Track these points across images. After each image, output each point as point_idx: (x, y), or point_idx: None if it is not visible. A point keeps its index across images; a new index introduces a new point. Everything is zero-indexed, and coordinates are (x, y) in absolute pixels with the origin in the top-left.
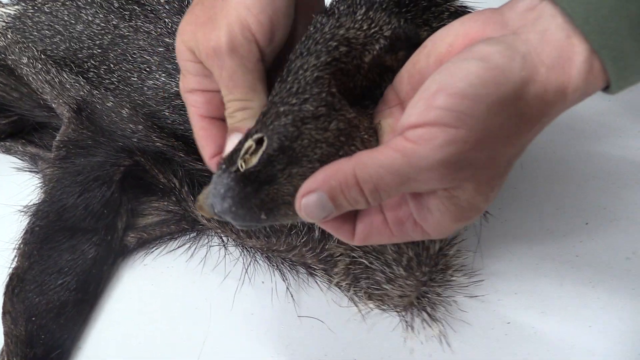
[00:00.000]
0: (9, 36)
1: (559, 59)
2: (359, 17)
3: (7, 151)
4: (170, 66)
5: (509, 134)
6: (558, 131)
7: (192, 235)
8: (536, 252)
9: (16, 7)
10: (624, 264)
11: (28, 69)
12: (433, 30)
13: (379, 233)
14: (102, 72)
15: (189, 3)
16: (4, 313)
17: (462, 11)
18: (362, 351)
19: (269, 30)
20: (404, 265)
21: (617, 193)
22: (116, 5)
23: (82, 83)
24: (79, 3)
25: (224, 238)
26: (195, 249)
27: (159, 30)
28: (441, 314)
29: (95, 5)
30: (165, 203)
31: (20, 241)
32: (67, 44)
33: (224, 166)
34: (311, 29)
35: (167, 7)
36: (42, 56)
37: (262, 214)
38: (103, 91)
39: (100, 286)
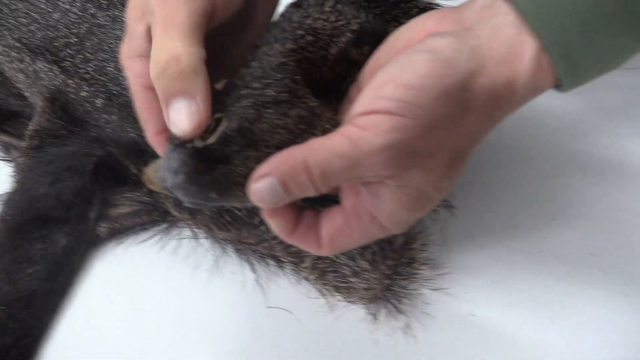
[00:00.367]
0: None
1: (508, 54)
2: (327, 9)
3: None
4: None
5: (455, 123)
6: (527, 128)
7: (163, 226)
8: (502, 246)
9: None
10: (588, 259)
11: (2, 57)
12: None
13: (342, 234)
14: (78, 61)
15: None
16: None
17: (430, 8)
18: (329, 342)
19: None
20: (368, 259)
21: (583, 190)
22: None
23: (56, 72)
24: None
25: (195, 230)
26: (166, 240)
27: None
28: (406, 307)
29: None
30: (138, 194)
31: None
32: (44, 32)
33: (176, 141)
34: (280, 17)
35: None
36: (17, 44)
37: (213, 193)
38: (78, 81)
39: (71, 275)
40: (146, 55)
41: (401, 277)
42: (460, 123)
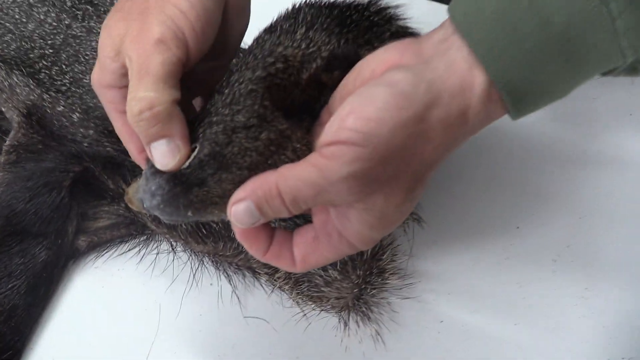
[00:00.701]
0: None
1: (461, 87)
2: (299, 37)
3: None
4: None
5: (413, 152)
6: (490, 142)
7: (142, 238)
8: (469, 254)
9: None
10: (550, 265)
11: None
12: (375, 49)
13: (313, 252)
14: (54, 73)
15: None
16: None
17: (402, 32)
18: (303, 349)
19: (200, 39)
20: (339, 269)
21: (546, 199)
22: (69, 4)
23: (32, 87)
24: (31, 1)
25: (172, 243)
26: (145, 252)
27: None
28: (376, 315)
29: (47, 4)
30: (116, 207)
31: None
32: (18, 43)
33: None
34: (254, 44)
35: None
36: None
37: (189, 212)
38: (54, 94)
39: (51, 289)
40: (118, 87)
41: (371, 287)
42: (418, 151)
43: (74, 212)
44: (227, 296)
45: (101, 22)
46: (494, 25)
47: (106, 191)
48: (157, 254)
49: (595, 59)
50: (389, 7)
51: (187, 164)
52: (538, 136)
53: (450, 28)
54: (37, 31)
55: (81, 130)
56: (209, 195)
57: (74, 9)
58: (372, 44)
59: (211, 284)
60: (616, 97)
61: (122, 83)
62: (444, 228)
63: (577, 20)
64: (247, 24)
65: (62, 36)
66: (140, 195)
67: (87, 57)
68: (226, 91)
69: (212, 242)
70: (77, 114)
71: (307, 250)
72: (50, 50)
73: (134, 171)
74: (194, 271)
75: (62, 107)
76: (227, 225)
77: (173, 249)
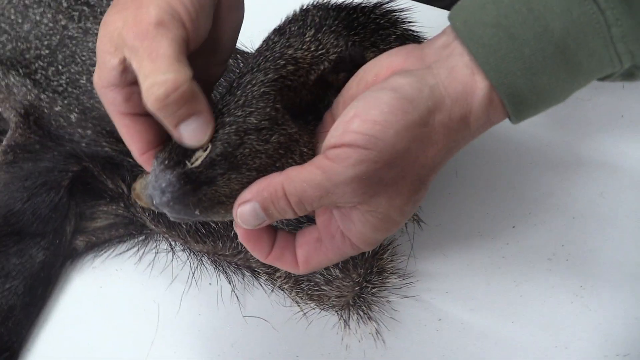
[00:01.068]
0: None
1: (463, 92)
2: (308, 39)
3: None
4: None
5: (417, 155)
6: (490, 142)
7: (140, 238)
8: (466, 253)
9: None
10: (545, 264)
11: None
12: (380, 51)
13: (317, 252)
14: (50, 73)
15: None
16: None
17: (407, 35)
18: (304, 348)
19: (196, 24)
20: (340, 267)
21: (541, 200)
22: (65, 5)
23: (29, 87)
24: (27, 1)
25: (171, 242)
26: (143, 252)
27: None
28: (376, 313)
29: (43, 4)
30: (114, 207)
31: None
32: (14, 44)
33: (167, 162)
34: (263, 45)
35: None
36: None
37: (197, 211)
38: (51, 95)
39: (49, 289)
40: (118, 85)
41: (371, 285)
42: (421, 154)
43: (72, 212)
44: (226, 295)
45: (97, 23)
46: (494, 32)
47: (105, 191)
48: (156, 253)
49: (593, 64)
50: (394, 11)
51: (198, 162)
52: (532, 138)
53: (452, 34)
54: (33, 32)
55: (79, 130)
56: (217, 194)
57: (70, 10)
58: (378, 46)
59: (210, 284)
60: (608, 99)
61: (123, 81)
62: (442, 228)
63: (575, 28)
64: (241, 22)
65: (58, 37)
66: (150, 191)
67: (83, 58)
68: (238, 92)
69: (211, 241)
70: (75, 114)
71: (310, 252)
72: (47, 51)
73: (133, 171)
74: (193, 270)
75: (59, 107)
76: (226, 224)
77: (172, 249)
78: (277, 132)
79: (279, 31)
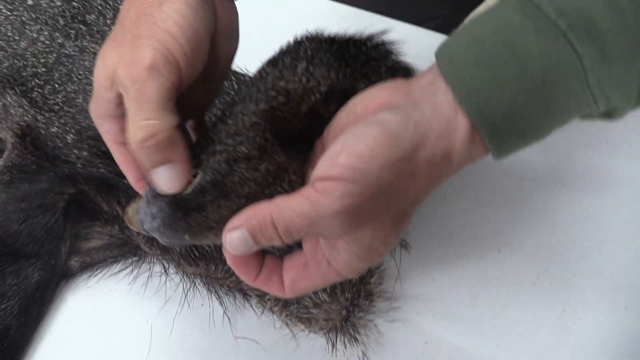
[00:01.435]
0: None
1: (446, 130)
2: (300, 71)
3: None
4: None
5: (400, 189)
6: (475, 168)
7: (134, 259)
8: (453, 276)
9: None
10: (530, 287)
11: None
12: (371, 82)
13: (303, 278)
14: (46, 92)
15: None
16: None
17: (397, 67)
18: None
19: (191, 62)
20: (328, 291)
21: (526, 223)
22: (62, 23)
23: (26, 107)
24: (23, 18)
25: (165, 264)
26: (137, 273)
27: None
28: (363, 336)
29: (40, 22)
30: (109, 228)
31: None
32: (10, 61)
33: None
34: (257, 76)
35: (113, 28)
36: None
37: (186, 235)
38: (47, 115)
39: (44, 309)
40: (115, 116)
41: (359, 309)
42: (405, 189)
43: (68, 233)
44: (218, 317)
45: (94, 42)
46: (476, 73)
47: (100, 213)
48: (149, 276)
49: (572, 106)
50: (385, 43)
51: (189, 189)
52: (518, 163)
53: (438, 71)
54: (30, 49)
55: (75, 151)
56: (207, 220)
57: (67, 28)
58: (369, 77)
59: (202, 305)
60: (593, 124)
61: (118, 112)
62: (429, 251)
63: (554, 71)
64: (236, 48)
65: (55, 55)
66: (141, 216)
67: (80, 77)
68: (230, 121)
69: (204, 264)
70: (71, 135)
71: (296, 277)
72: (43, 69)
73: (128, 192)
74: (186, 292)
75: (56, 128)
76: (218, 248)
77: (165, 271)
78: (266, 161)
79: (272, 62)
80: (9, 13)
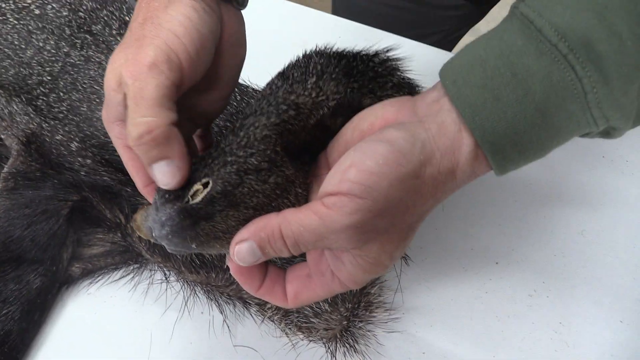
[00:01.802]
0: None
1: (451, 147)
2: (309, 86)
3: None
4: None
5: (408, 205)
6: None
7: (135, 266)
8: (451, 288)
9: None
10: (527, 300)
11: None
12: (377, 98)
13: (306, 288)
14: (51, 100)
15: None
16: None
17: (403, 83)
18: None
19: (194, 62)
20: (329, 301)
21: (523, 237)
22: (68, 32)
23: (32, 115)
24: (30, 27)
25: (166, 272)
26: (138, 280)
27: None
28: (362, 346)
29: (46, 31)
30: (111, 235)
31: None
32: (16, 69)
33: (167, 195)
34: (267, 89)
35: (119, 38)
36: None
37: (194, 244)
38: (52, 123)
39: (45, 315)
40: (124, 120)
41: (358, 319)
42: (412, 204)
43: (70, 239)
44: (218, 325)
45: (100, 52)
46: (479, 93)
47: (103, 220)
48: (150, 283)
49: (572, 125)
50: (392, 59)
51: (199, 198)
52: (516, 177)
53: (442, 90)
54: (36, 58)
55: (79, 159)
56: (215, 230)
57: (72, 38)
58: (375, 93)
59: (202, 313)
60: (590, 141)
61: (126, 117)
62: (428, 263)
63: (555, 92)
64: (243, 59)
65: (60, 64)
66: (150, 224)
67: (84, 86)
68: (241, 134)
69: (205, 272)
70: (75, 143)
71: (299, 287)
72: (49, 77)
73: (130, 200)
74: (186, 300)
75: (60, 136)
76: (219, 256)
77: (166, 278)
78: (275, 174)
79: (282, 76)
80: (15, 22)
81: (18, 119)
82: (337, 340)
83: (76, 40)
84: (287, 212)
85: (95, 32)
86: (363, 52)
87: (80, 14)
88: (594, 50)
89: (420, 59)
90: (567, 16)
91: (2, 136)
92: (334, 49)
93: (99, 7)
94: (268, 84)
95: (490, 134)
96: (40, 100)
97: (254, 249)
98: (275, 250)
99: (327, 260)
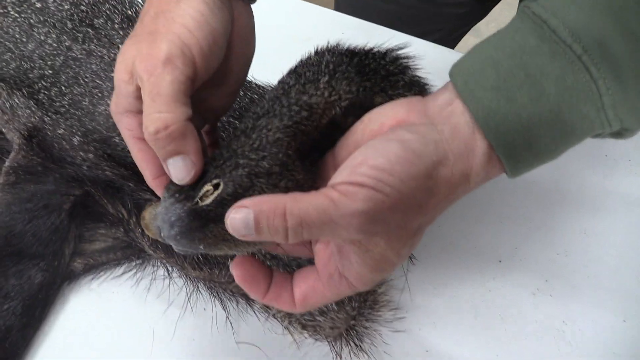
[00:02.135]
0: None
1: (465, 150)
2: (322, 85)
3: None
4: None
5: (420, 204)
6: None
7: (138, 262)
8: (454, 286)
9: None
10: (530, 298)
11: None
12: (389, 96)
13: (314, 291)
14: (53, 94)
15: None
16: None
17: (414, 82)
18: None
19: (207, 57)
20: None
21: (526, 236)
22: (69, 26)
23: (33, 109)
24: (31, 21)
25: (168, 267)
26: (140, 276)
27: (112, 55)
28: (367, 345)
29: (47, 25)
30: (113, 231)
31: None
32: (18, 63)
33: (177, 195)
34: (279, 89)
35: (121, 32)
36: None
37: (202, 246)
38: (54, 117)
39: (46, 310)
40: (134, 111)
41: (364, 318)
42: (424, 204)
43: (72, 234)
44: (220, 322)
45: (101, 46)
46: (493, 96)
47: (105, 215)
48: (153, 279)
49: (585, 127)
50: (403, 57)
51: (209, 200)
52: (520, 176)
53: (454, 92)
54: (37, 51)
55: (81, 153)
56: (223, 232)
57: (74, 31)
58: (387, 91)
59: (205, 309)
60: (593, 140)
61: (138, 107)
62: (431, 262)
63: (569, 94)
64: (252, 56)
65: (62, 58)
66: (159, 223)
67: (86, 80)
68: (254, 135)
69: (208, 268)
70: (77, 137)
71: (308, 291)
72: (50, 71)
73: (133, 195)
74: (189, 296)
75: (62, 130)
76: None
77: (169, 274)
78: (286, 178)
79: (294, 75)
80: (17, 15)
81: (19, 113)
82: (342, 338)
83: (78, 34)
84: (296, 193)
85: (97, 25)
86: (374, 50)
87: (82, 7)
88: (609, 51)
89: (424, 57)
90: (582, 16)
91: (4, 130)
92: (345, 47)
93: (101, 0)
94: (279, 83)
95: (504, 136)
96: (42, 94)
97: (249, 220)
98: (270, 228)
99: (335, 261)
